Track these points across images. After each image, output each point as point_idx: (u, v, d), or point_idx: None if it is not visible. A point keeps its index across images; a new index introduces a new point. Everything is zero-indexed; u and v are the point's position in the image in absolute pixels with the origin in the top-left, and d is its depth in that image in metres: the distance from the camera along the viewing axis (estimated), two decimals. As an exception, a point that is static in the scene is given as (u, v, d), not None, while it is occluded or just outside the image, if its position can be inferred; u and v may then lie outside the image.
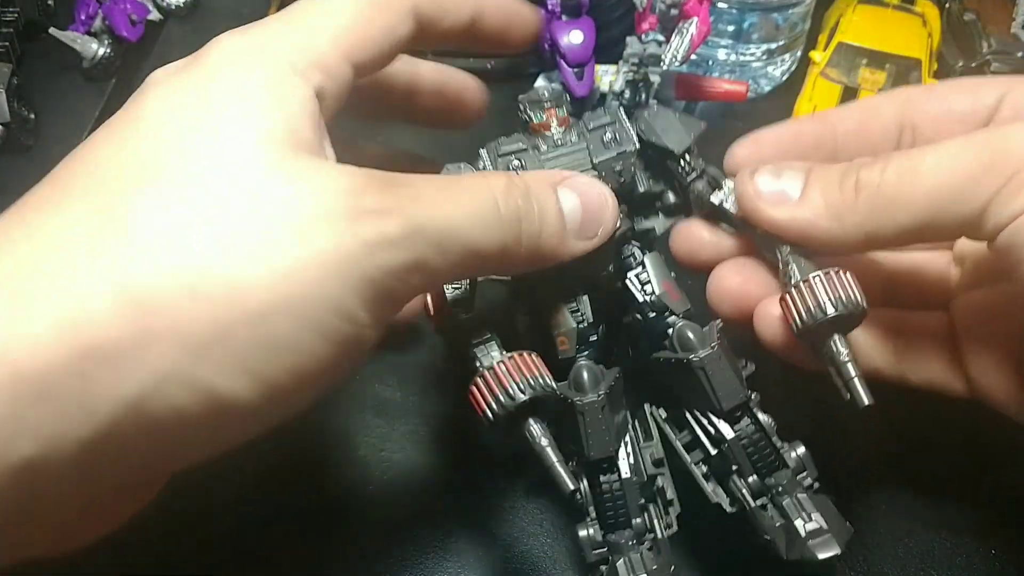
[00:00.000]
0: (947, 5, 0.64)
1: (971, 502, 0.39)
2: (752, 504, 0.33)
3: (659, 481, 0.35)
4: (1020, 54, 0.58)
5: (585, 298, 0.35)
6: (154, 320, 0.24)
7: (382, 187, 0.27)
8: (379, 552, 0.40)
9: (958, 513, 0.39)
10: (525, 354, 0.31)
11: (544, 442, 0.31)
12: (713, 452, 0.34)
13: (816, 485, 0.34)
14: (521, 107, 0.35)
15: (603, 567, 0.34)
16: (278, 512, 0.40)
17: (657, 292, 0.35)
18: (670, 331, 0.35)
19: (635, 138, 0.34)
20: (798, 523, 0.32)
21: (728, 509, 0.34)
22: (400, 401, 0.45)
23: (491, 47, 0.36)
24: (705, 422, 0.34)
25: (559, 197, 0.32)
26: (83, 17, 0.61)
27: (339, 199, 0.26)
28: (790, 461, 0.34)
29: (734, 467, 0.34)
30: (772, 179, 0.33)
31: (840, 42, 0.59)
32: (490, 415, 0.30)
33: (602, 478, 0.34)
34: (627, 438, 0.35)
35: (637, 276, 0.36)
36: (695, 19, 0.54)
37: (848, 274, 0.32)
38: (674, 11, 0.55)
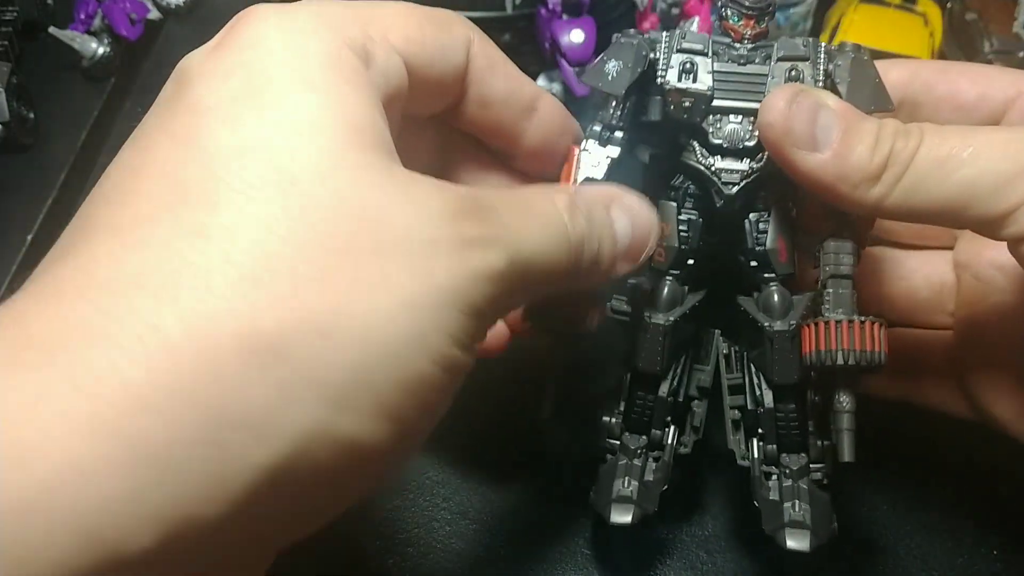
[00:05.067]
0: (949, 5, 0.64)
1: (972, 503, 0.39)
2: (757, 471, 0.35)
3: (695, 406, 0.37)
4: (1022, 54, 0.58)
5: (699, 222, 0.35)
6: (287, 369, 0.21)
7: (477, 212, 0.25)
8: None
9: (958, 513, 0.39)
10: None
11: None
12: (750, 407, 0.35)
13: (825, 481, 0.34)
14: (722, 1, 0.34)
15: (609, 456, 0.36)
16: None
17: (768, 247, 0.34)
18: (763, 286, 0.35)
19: (820, 82, 0.33)
20: (786, 507, 0.34)
21: (740, 462, 0.36)
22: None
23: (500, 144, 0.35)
24: (756, 379, 0.35)
25: (612, 218, 0.30)
26: (82, 16, 0.61)
27: (443, 224, 0.24)
28: (813, 449, 0.34)
29: (760, 430, 0.35)
30: (808, 117, 0.30)
31: (841, 42, 0.59)
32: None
33: (639, 392, 0.35)
34: (681, 360, 0.36)
35: (757, 220, 0.35)
36: (696, 18, 0.54)
37: (878, 327, 0.31)
38: (675, 10, 0.56)
